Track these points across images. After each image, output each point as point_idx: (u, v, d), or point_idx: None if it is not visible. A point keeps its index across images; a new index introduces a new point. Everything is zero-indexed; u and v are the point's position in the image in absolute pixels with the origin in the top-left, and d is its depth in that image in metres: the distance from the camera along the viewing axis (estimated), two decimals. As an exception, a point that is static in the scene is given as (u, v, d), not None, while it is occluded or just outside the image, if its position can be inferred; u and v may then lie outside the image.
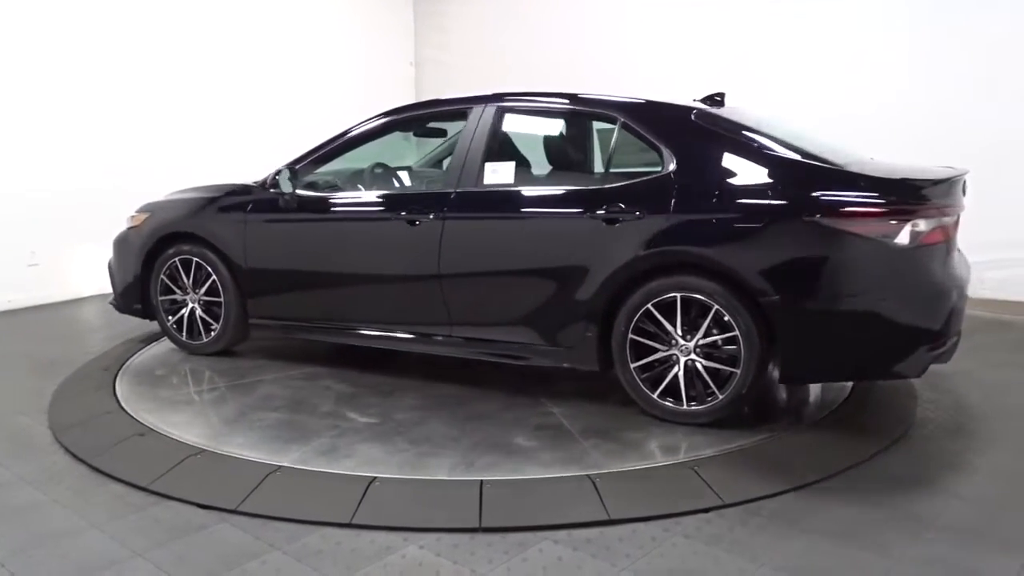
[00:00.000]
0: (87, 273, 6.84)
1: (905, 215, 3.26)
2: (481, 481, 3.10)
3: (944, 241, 3.39)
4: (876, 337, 3.34)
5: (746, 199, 3.46)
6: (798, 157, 3.51)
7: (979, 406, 4.00)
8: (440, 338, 4.18)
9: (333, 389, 4.29)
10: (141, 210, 5.07)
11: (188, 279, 4.82)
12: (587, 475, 3.15)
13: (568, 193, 3.89)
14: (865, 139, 5.77)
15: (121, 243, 5.12)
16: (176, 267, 4.84)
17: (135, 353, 4.97)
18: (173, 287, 4.89)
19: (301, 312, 4.58)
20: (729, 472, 3.20)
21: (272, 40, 8.07)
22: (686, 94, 4.07)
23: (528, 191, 3.99)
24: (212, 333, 4.81)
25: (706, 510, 2.91)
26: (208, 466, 3.31)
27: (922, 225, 3.27)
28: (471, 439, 3.56)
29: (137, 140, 7.02)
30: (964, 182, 3.64)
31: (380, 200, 4.44)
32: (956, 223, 3.52)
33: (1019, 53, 5.77)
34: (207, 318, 4.82)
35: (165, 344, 5.16)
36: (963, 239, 3.90)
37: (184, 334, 4.90)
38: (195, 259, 4.76)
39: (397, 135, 4.69)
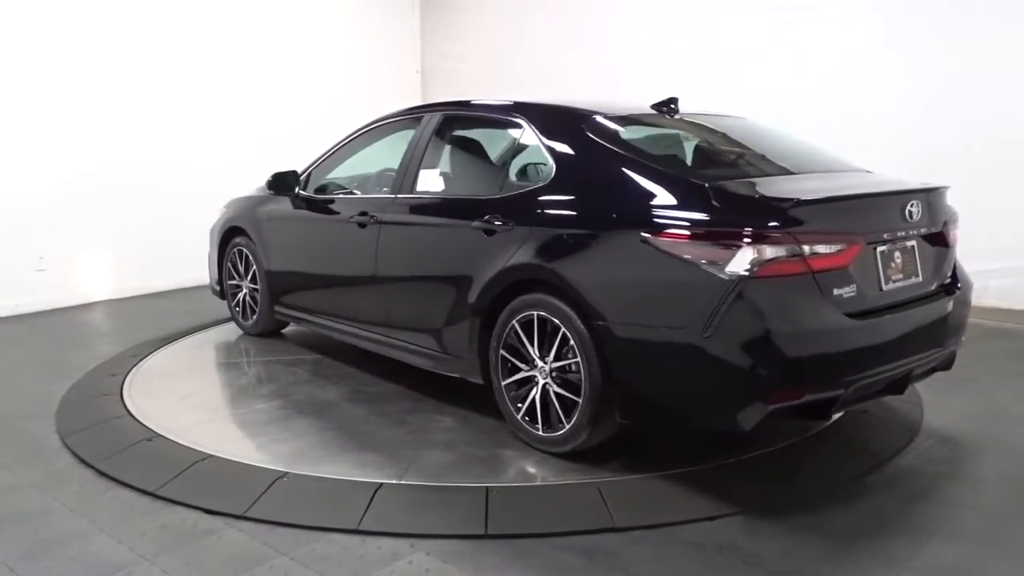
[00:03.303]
0: (96, 278, 6.88)
1: (739, 239, 2.82)
2: (487, 488, 3.12)
3: (809, 273, 2.86)
4: (703, 379, 2.95)
5: (594, 215, 3.26)
6: (662, 171, 3.27)
7: (983, 415, 4.00)
8: (380, 338, 4.33)
9: (298, 376, 4.63)
10: (225, 205, 5.66)
11: (242, 267, 5.41)
12: (593, 482, 3.16)
13: (464, 201, 3.92)
14: (871, 143, 5.82)
15: (211, 233, 5.74)
16: (236, 256, 5.45)
17: (144, 358, 4.98)
18: (235, 273, 5.50)
19: (299, 305, 5.00)
20: (735, 480, 3.21)
21: (283, 50, 8.10)
22: (665, 97, 3.93)
23: (437, 199, 4.08)
24: (254, 317, 5.40)
25: (712, 518, 2.91)
26: (215, 471, 3.33)
27: (768, 252, 2.81)
28: (329, 435, 3.71)
29: (147, 145, 7.04)
30: (911, 203, 3.18)
31: (347, 203, 4.60)
32: (848, 251, 2.97)
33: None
34: (253, 304, 5.39)
35: (172, 348, 5.24)
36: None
37: (240, 316, 5.54)
38: (245, 250, 5.34)
39: (404, 140, 4.76)
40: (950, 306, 3.39)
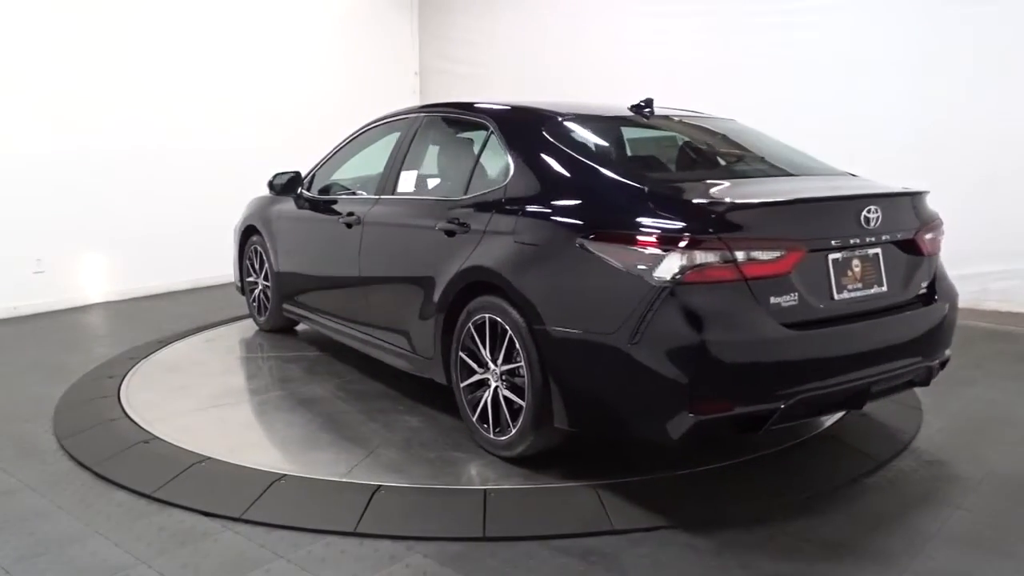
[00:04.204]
0: (94, 280, 6.87)
1: (668, 244, 2.74)
2: (486, 490, 3.11)
3: (742, 280, 2.75)
4: (632, 387, 2.87)
5: (540, 218, 3.25)
6: (605, 174, 3.22)
7: (982, 417, 4.00)
8: (366, 337, 4.38)
9: (292, 373, 4.72)
10: (247, 204, 5.79)
11: (257, 265, 5.57)
12: (591, 485, 3.15)
13: (433, 203, 3.95)
14: (869, 146, 5.83)
15: (233, 232, 5.85)
16: (252, 254, 5.61)
17: (140, 360, 4.97)
18: (252, 271, 5.65)
19: (301, 303, 5.09)
20: (733, 482, 3.21)
21: (281, 52, 8.12)
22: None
23: (411, 200, 4.14)
24: (266, 313, 5.57)
25: (710, 520, 2.91)
26: (212, 474, 3.32)
27: (698, 258, 2.71)
28: (297, 431, 3.80)
29: (145, 148, 7.03)
30: (868, 208, 3.00)
31: (340, 204, 4.65)
32: (788, 259, 2.83)
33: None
34: (266, 301, 5.54)
35: (169, 351, 5.23)
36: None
37: (256, 312, 5.70)
38: (259, 248, 5.48)
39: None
40: (926, 317, 3.24)
